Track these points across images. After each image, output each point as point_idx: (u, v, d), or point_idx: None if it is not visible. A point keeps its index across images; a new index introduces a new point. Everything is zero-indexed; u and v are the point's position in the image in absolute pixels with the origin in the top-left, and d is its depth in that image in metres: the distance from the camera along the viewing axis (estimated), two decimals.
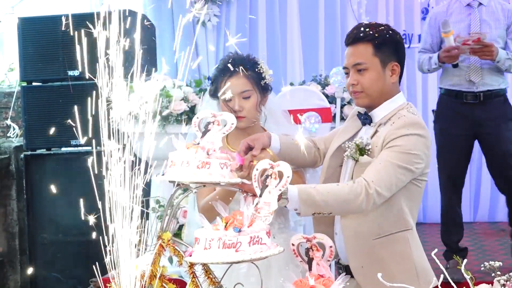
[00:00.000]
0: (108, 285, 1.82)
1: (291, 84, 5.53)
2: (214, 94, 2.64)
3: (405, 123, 2.35)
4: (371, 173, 2.28)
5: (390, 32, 2.45)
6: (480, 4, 4.14)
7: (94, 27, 1.80)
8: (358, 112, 2.50)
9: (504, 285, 1.59)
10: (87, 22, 1.79)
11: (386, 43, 2.42)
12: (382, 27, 2.45)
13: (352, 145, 2.38)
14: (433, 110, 4.41)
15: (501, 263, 1.66)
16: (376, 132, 2.41)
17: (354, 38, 2.43)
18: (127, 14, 1.83)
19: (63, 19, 2.01)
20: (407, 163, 2.29)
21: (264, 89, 2.60)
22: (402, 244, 2.41)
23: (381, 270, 2.35)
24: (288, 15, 6.09)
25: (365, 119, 2.47)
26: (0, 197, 5.16)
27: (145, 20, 1.85)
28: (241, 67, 2.53)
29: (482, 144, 4.19)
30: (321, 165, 2.59)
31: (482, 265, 1.69)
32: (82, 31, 1.90)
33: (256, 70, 2.60)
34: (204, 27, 6.03)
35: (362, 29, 2.43)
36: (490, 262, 1.67)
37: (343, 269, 2.47)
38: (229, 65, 2.51)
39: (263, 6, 6.09)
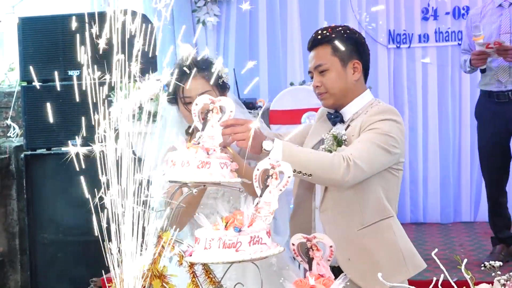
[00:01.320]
0: (108, 285, 1.82)
1: (291, 84, 5.53)
2: (172, 100, 2.57)
3: (379, 110, 2.41)
4: (350, 148, 2.30)
5: (348, 31, 2.52)
6: (511, 4, 4.14)
7: (94, 27, 1.80)
8: (328, 112, 2.53)
9: (504, 285, 1.59)
10: (87, 22, 1.79)
11: (344, 42, 2.46)
12: (340, 28, 2.52)
13: (329, 136, 2.39)
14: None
15: (501, 263, 1.66)
16: (348, 126, 2.45)
17: (313, 42, 2.51)
18: (127, 14, 1.83)
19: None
20: (385, 144, 2.33)
21: (222, 88, 2.57)
22: (386, 231, 2.44)
23: (368, 260, 2.38)
24: (288, 15, 6.09)
25: (336, 117, 2.50)
26: (0, 197, 5.16)
27: (145, 20, 1.85)
28: (196, 69, 2.48)
29: None
30: None
31: (482, 265, 1.69)
32: (83, 30, 1.90)
33: (212, 70, 2.53)
34: (204, 26, 6.04)
35: (319, 32, 2.51)
36: (490, 262, 1.67)
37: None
38: (184, 68, 2.46)
39: (263, 6, 6.09)
